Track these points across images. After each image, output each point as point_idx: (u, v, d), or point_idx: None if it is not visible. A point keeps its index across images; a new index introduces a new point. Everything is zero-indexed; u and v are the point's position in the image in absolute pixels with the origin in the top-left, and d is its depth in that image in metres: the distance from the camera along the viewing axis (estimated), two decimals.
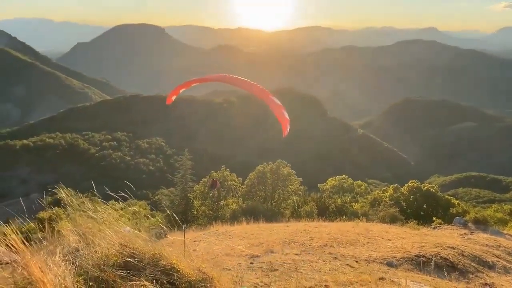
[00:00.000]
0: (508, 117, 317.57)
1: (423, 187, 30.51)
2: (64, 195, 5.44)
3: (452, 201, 30.41)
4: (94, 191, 6.16)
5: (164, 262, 4.46)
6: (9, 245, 4.30)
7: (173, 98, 11.39)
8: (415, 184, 30.87)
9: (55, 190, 5.63)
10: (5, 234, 4.37)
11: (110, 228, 4.78)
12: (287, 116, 10.15)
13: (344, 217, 22.94)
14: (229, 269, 8.09)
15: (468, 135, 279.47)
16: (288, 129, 9.77)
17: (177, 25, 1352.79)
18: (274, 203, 32.77)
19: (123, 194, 5.92)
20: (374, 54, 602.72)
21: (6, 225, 4.70)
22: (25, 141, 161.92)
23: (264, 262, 9.20)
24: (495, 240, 14.51)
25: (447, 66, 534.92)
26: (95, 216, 5.09)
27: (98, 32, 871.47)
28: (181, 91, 11.43)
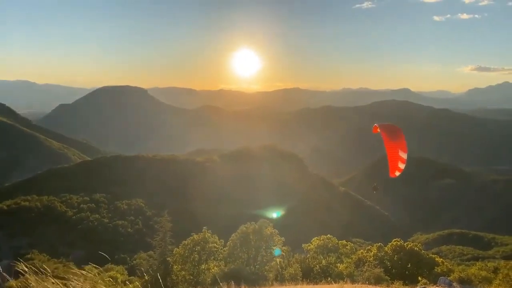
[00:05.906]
0: (485, 173, 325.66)
1: (407, 246, 30.33)
2: (36, 262, 5.26)
3: (436, 259, 30.20)
4: (69, 256, 5.97)
5: None
6: None
7: (378, 130, 17.30)
8: (399, 243, 30.67)
9: (28, 256, 5.44)
10: None
11: None
12: (401, 166, 15.89)
13: (329, 278, 22.38)
14: None
15: (448, 192, 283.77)
16: (397, 174, 16.16)
17: (160, 86, 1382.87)
18: (257, 266, 31.77)
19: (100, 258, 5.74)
20: (351, 113, 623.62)
21: None
22: None
23: None
24: None
25: (422, 125, 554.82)
26: (68, 286, 4.88)
27: (81, 93, 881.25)
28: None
